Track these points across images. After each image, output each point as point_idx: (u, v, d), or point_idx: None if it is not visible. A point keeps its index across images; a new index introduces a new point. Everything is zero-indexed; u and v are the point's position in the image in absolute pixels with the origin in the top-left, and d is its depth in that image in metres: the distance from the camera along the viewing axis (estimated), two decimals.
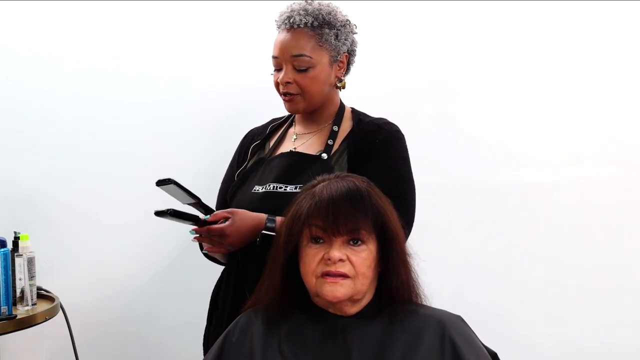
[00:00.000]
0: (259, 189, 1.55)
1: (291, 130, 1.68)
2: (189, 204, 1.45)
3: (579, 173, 2.22)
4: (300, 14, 1.54)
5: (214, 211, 1.48)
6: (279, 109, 1.69)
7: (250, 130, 1.76)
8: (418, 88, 2.23)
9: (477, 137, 2.22)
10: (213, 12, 2.25)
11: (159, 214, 1.34)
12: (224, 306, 1.58)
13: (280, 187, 1.52)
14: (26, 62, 2.22)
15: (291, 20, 1.54)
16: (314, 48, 1.54)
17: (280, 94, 1.59)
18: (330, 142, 1.58)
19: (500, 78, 2.24)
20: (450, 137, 2.22)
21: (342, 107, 1.66)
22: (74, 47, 2.24)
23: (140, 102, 2.25)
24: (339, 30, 1.58)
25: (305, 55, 1.54)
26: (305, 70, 1.54)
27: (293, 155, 1.59)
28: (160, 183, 1.37)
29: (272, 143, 1.67)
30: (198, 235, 1.47)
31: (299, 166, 1.53)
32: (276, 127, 1.71)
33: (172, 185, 1.37)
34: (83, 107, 2.23)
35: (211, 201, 1.64)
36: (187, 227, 1.47)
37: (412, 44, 2.24)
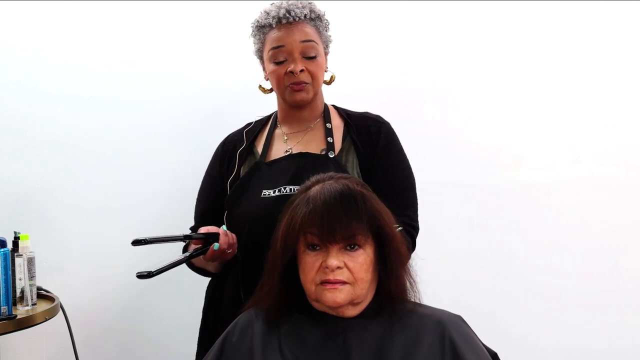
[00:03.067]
0: (269, 192, 1.52)
1: (278, 131, 1.66)
2: (180, 241, 1.43)
3: (579, 173, 2.22)
4: (298, 7, 1.56)
5: (202, 236, 1.45)
6: (260, 109, 1.71)
7: (227, 137, 1.72)
8: (417, 89, 2.23)
9: (476, 138, 2.23)
10: (209, 13, 2.25)
11: (136, 242, 1.29)
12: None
13: (296, 189, 1.48)
14: (26, 62, 2.23)
15: (292, 14, 1.55)
16: (316, 37, 1.58)
17: (286, 86, 1.57)
18: (329, 139, 1.59)
19: (500, 78, 2.24)
20: (449, 137, 2.22)
21: (325, 104, 1.67)
22: (74, 47, 2.24)
23: (141, 102, 2.25)
24: (326, 24, 1.63)
25: (313, 41, 1.56)
26: (313, 58, 1.56)
27: (302, 156, 1.58)
28: (136, 243, 1.30)
29: (260, 146, 1.64)
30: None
31: (309, 166, 1.51)
32: (258, 130, 1.69)
33: (148, 241, 1.31)
34: (83, 107, 2.23)
35: None
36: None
37: (410, 44, 2.24)
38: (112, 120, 2.24)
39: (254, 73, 2.21)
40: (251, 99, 2.19)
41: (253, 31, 1.64)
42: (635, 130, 2.21)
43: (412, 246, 1.51)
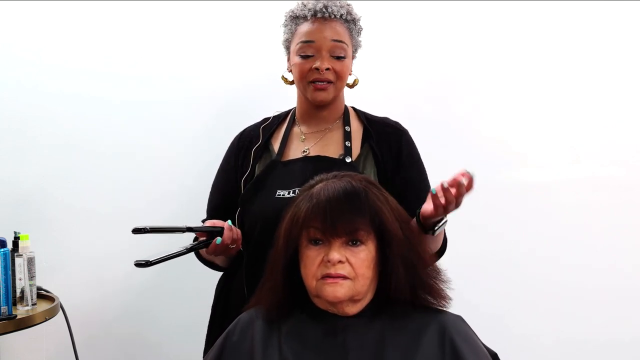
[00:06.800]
0: (284, 193, 1.52)
1: (295, 129, 1.65)
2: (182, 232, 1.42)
3: (580, 173, 2.22)
4: (336, 6, 1.56)
5: (206, 229, 1.45)
6: (272, 107, 1.70)
7: (243, 132, 1.70)
8: (418, 88, 2.23)
9: (476, 138, 2.22)
10: (208, 13, 2.25)
11: (136, 231, 1.29)
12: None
13: None
14: (26, 62, 2.23)
15: (329, 10, 1.55)
16: (347, 39, 1.57)
17: (309, 83, 1.55)
18: (347, 144, 1.58)
19: (501, 78, 2.24)
20: (450, 137, 2.21)
21: (345, 106, 1.66)
22: (74, 47, 2.24)
23: (140, 102, 2.25)
24: (359, 29, 1.63)
25: (344, 42, 1.56)
26: (341, 58, 1.55)
27: (318, 159, 1.57)
28: (136, 232, 1.30)
29: (277, 144, 1.63)
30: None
31: (326, 170, 1.45)
32: (275, 126, 1.67)
33: (149, 230, 1.31)
34: (83, 107, 2.23)
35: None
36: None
37: (411, 43, 2.24)
38: (112, 120, 2.24)
39: (255, 74, 2.22)
40: (251, 100, 2.20)
41: (285, 20, 1.62)
42: (635, 130, 2.21)
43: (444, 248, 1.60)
